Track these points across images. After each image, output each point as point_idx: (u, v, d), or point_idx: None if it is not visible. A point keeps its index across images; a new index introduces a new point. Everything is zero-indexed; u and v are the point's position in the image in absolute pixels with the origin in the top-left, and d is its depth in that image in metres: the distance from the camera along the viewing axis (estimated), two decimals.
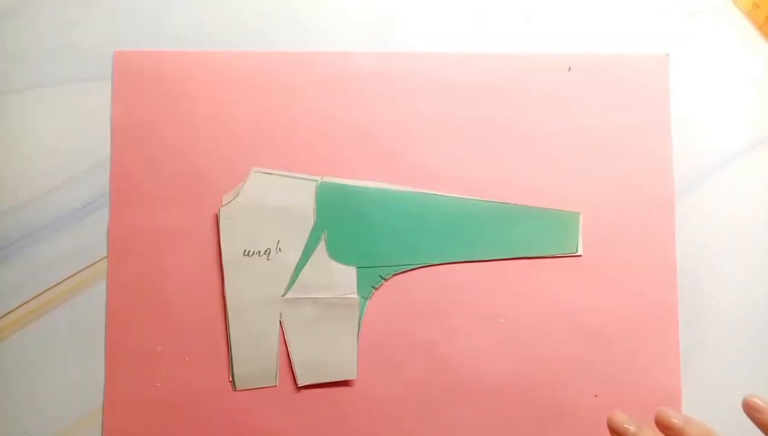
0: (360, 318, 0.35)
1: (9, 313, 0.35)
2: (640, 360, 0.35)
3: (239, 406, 0.35)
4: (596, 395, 0.35)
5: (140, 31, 0.37)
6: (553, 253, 0.35)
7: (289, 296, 0.35)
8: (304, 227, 0.35)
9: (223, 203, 0.35)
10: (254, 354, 0.35)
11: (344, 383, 0.35)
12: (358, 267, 0.35)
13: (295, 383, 0.35)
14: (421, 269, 0.36)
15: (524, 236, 0.35)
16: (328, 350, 0.35)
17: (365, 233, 0.35)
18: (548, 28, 0.37)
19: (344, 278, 0.35)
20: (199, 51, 0.37)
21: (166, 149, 0.36)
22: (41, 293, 0.35)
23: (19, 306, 0.35)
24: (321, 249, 0.35)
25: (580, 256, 0.35)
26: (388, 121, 0.36)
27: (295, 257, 0.35)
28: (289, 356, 0.35)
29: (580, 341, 0.35)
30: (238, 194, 0.35)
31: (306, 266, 0.35)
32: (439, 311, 0.35)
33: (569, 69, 0.37)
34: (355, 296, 0.35)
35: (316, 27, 0.37)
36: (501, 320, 0.35)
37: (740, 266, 0.36)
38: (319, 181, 0.35)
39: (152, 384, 0.35)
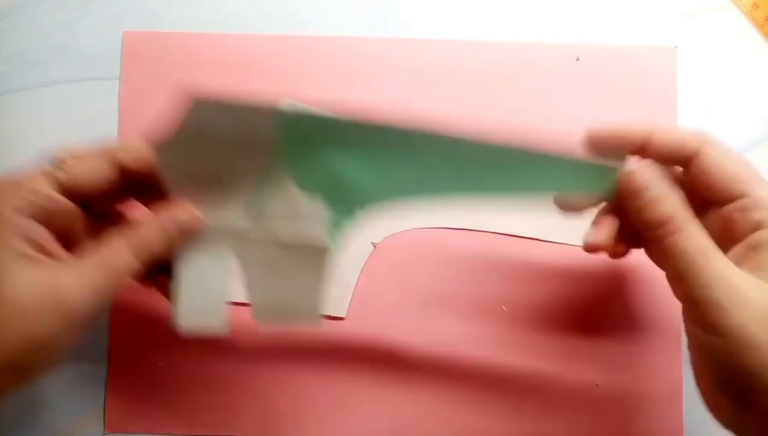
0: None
1: None
2: (641, 353, 0.35)
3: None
4: (597, 385, 0.35)
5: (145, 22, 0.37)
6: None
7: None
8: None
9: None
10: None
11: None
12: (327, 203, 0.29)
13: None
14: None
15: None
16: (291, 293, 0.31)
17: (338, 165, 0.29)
18: (556, 17, 0.37)
19: (311, 214, 0.30)
20: (207, 33, 0.37)
21: None
22: None
23: None
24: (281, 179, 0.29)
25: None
26: (391, 108, 0.36)
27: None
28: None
29: (581, 330, 0.35)
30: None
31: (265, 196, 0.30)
32: (439, 297, 0.36)
33: (577, 59, 0.37)
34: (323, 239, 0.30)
35: (323, 11, 0.37)
36: (504, 308, 0.36)
37: None
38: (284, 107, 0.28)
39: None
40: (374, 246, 0.35)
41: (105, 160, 0.27)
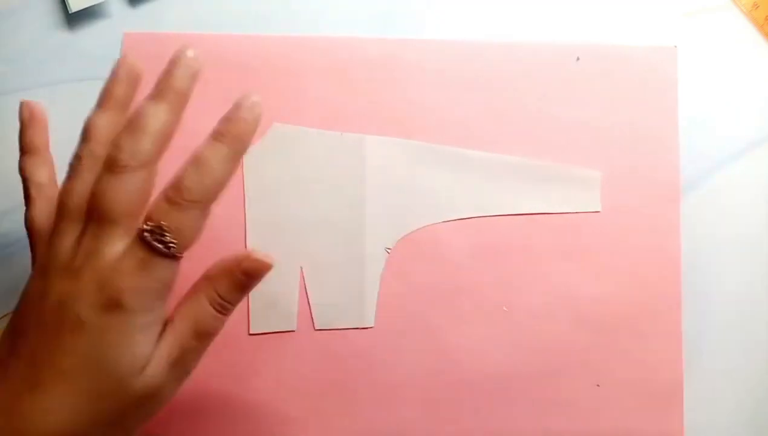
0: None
1: (9, 313, 0.35)
2: (642, 351, 0.35)
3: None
4: (598, 385, 0.35)
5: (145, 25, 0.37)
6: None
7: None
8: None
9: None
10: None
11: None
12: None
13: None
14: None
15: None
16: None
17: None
18: (556, 17, 0.38)
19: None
20: (206, 33, 0.37)
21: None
22: None
23: None
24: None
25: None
26: (392, 108, 0.36)
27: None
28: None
29: (582, 330, 0.35)
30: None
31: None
32: (442, 297, 0.36)
33: (577, 59, 0.37)
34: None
35: (323, 11, 0.37)
36: (504, 308, 0.36)
37: (746, 260, 0.37)
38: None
39: None
40: (388, 251, 0.36)
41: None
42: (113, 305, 0.24)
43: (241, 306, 0.35)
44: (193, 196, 0.25)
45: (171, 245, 0.25)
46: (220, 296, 0.27)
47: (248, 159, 0.36)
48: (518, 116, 0.36)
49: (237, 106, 0.27)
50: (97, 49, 0.37)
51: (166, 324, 0.27)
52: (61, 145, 0.36)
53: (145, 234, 0.24)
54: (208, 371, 0.33)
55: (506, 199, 0.36)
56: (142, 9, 0.37)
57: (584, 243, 0.36)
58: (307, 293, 0.35)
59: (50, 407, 0.24)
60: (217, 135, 0.26)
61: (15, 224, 0.35)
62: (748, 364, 0.36)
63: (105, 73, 0.37)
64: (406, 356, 0.35)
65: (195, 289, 0.28)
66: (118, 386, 0.25)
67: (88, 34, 0.37)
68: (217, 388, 0.35)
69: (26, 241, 0.35)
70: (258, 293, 0.35)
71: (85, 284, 0.24)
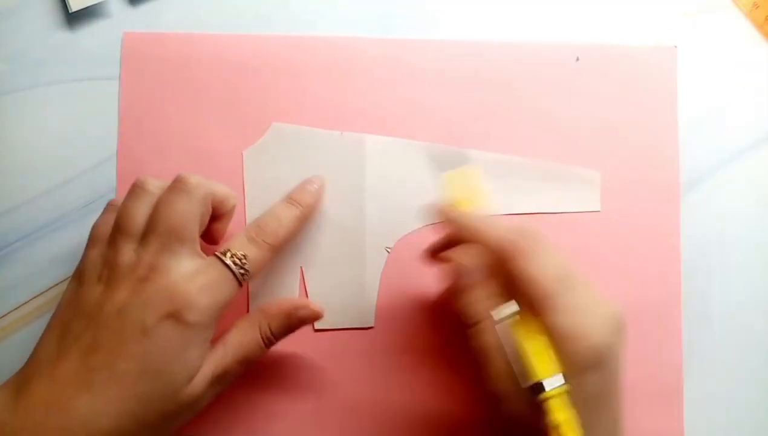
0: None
1: (9, 313, 0.35)
2: (642, 351, 0.35)
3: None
4: None
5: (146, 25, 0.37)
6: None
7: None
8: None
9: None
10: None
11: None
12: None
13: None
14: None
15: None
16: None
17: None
18: (556, 17, 0.37)
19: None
20: (206, 33, 0.37)
21: (174, 134, 0.36)
22: (41, 293, 0.35)
23: (19, 306, 0.35)
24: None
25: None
26: (392, 108, 0.36)
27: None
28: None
29: None
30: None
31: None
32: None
33: (577, 59, 0.37)
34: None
35: (323, 11, 0.37)
36: None
37: (746, 260, 0.37)
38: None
39: None
40: (388, 251, 0.36)
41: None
42: (178, 317, 0.27)
43: (241, 306, 0.35)
44: (268, 239, 0.30)
45: (244, 271, 0.29)
46: (272, 332, 0.31)
47: (248, 158, 0.36)
48: (518, 116, 0.36)
49: (308, 181, 0.34)
50: (97, 48, 0.37)
51: (212, 343, 0.29)
52: (60, 145, 0.36)
53: (225, 258, 0.28)
54: None
55: (506, 199, 0.36)
56: (142, 9, 0.37)
57: (584, 243, 0.36)
58: (307, 293, 0.35)
59: (100, 408, 0.26)
60: (292, 200, 0.33)
61: (15, 223, 0.35)
62: (748, 364, 0.36)
63: (105, 72, 0.37)
64: (406, 356, 0.35)
65: (249, 320, 0.31)
66: (167, 394, 0.27)
67: (88, 33, 0.37)
68: None
69: (26, 240, 0.35)
70: (258, 293, 0.35)
71: (151, 295, 0.27)
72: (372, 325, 0.35)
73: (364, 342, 0.35)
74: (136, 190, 0.30)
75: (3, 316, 0.35)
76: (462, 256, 0.30)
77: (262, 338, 0.31)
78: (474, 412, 0.35)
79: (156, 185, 0.30)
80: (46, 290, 0.35)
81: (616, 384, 0.28)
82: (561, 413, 0.25)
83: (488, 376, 0.27)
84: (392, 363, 0.35)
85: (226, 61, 0.36)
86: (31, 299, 0.35)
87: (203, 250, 0.29)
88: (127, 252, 0.28)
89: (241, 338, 0.30)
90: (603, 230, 0.36)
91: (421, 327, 0.35)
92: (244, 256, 0.29)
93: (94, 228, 0.30)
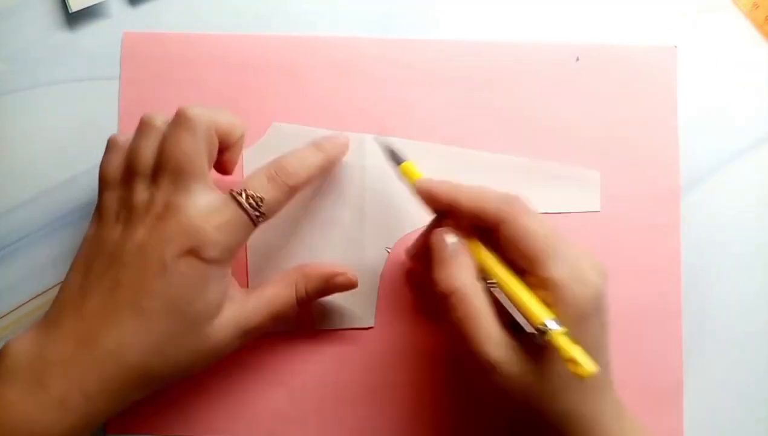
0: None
1: (9, 313, 0.35)
2: (642, 351, 0.35)
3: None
4: None
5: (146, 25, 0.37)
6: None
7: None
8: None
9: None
10: None
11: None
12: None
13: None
14: None
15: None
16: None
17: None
18: (556, 17, 0.37)
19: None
20: (206, 33, 0.37)
21: None
22: (41, 293, 0.35)
23: (19, 306, 0.35)
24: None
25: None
26: (392, 108, 0.36)
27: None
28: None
29: None
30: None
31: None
32: None
33: (577, 59, 0.37)
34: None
35: (323, 11, 0.37)
36: None
37: (746, 260, 0.37)
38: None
39: None
40: (388, 251, 0.36)
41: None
42: (197, 253, 0.27)
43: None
44: (289, 181, 0.29)
45: (260, 213, 0.29)
46: (307, 292, 0.32)
47: (248, 158, 0.36)
48: (518, 116, 0.36)
49: (336, 135, 0.34)
50: (97, 48, 0.37)
51: (246, 292, 0.31)
52: (60, 145, 0.36)
53: (241, 198, 0.28)
54: (207, 370, 0.33)
55: None
56: (142, 9, 0.37)
57: (584, 243, 0.35)
58: None
59: (128, 341, 0.27)
60: (318, 144, 0.32)
61: (15, 223, 0.35)
62: (748, 364, 0.36)
63: (105, 72, 0.37)
64: (406, 356, 0.35)
65: (287, 278, 0.32)
66: (189, 330, 0.28)
67: (88, 33, 0.37)
68: (217, 387, 0.35)
69: (26, 240, 0.35)
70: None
71: (169, 232, 0.27)
72: (372, 325, 0.35)
73: (364, 342, 0.35)
74: (143, 127, 0.30)
75: (3, 316, 0.35)
76: (437, 234, 0.30)
77: (297, 297, 0.32)
78: (474, 411, 0.35)
79: (163, 121, 0.30)
80: (46, 290, 0.35)
81: (608, 330, 0.29)
82: (572, 347, 0.25)
83: (475, 344, 0.27)
84: (392, 363, 0.35)
85: (226, 61, 0.36)
86: (31, 299, 0.35)
87: (218, 183, 0.29)
88: (141, 192, 0.28)
89: (277, 293, 0.31)
90: (603, 230, 0.36)
91: (421, 327, 0.35)
92: (260, 198, 0.28)
93: (102, 169, 0.30)
